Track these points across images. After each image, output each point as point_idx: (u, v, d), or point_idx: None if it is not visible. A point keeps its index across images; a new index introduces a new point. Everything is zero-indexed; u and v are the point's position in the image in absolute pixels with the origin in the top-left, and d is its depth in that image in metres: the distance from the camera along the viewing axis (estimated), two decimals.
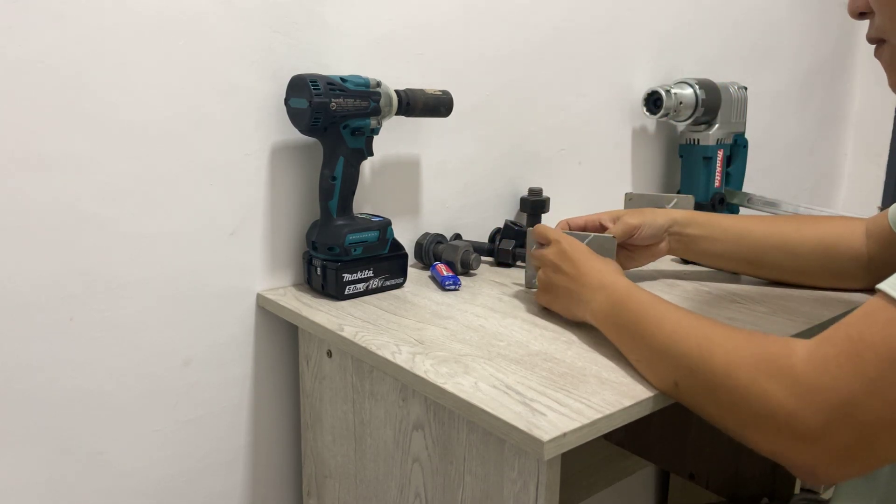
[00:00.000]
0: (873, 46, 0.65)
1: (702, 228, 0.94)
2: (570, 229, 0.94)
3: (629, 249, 0.95)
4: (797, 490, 1.18)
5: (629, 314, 0.70)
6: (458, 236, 1.07)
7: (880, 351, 0.50)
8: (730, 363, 0.58)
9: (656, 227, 0.93)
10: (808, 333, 0.80)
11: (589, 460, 1.42)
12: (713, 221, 0.95)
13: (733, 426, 0.59)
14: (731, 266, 0.97)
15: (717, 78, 1.32)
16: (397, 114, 0.92)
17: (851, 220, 0.91)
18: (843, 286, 0.91)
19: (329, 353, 0.84)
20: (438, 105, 0.95)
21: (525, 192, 1.15)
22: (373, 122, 0.88)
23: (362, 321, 0.81)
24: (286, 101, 0.86)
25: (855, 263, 0.88)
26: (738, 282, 0.97)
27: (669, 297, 0.89)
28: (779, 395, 0.54)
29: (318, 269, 0.89)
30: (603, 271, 0.77)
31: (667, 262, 1.06)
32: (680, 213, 0.95)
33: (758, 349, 0.58)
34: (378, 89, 0.88)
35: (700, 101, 1.25)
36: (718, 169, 1.30)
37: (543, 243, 0.85)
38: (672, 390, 0.63)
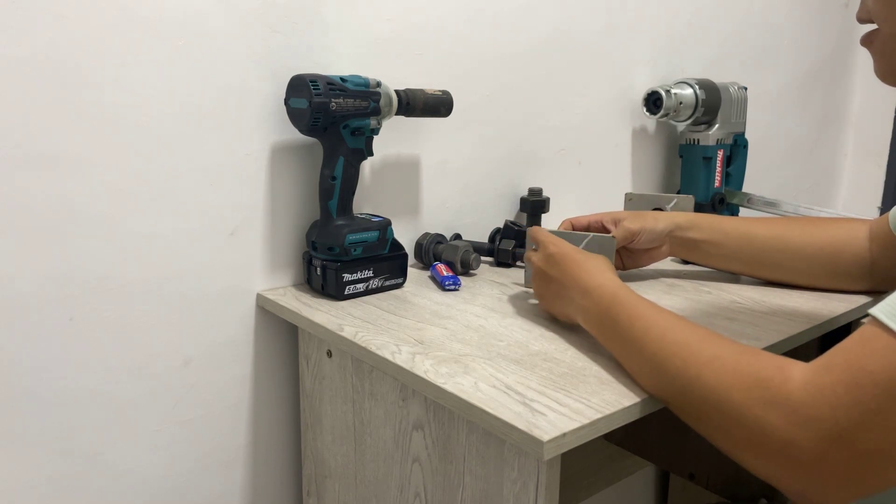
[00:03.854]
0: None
1: (704, 232, 0.94)
2: (573, 228, 0.95)
3: (629, 252, 0.95)
4: None
5: (617, 324, 0.69)
6: (458, 236, 1.07)
7: (879, 381, 0.49)
8: (720, 387, 0.57)
9: (656, 232, 0.93)
10: (808, 334, 0.80)
11: (589, 460, 1.42)
12: (715, 224, 0.95)
13: (726, 447, 0.58)
14: (733, 268, 0.97)
15: (717, 78, 1.32)
16: (397, 114, 0.92)
17: (854, 221, 0.91)
18: (847, 288, 0.91)
19: (329, 353, 0.84)
20: (438, 105, 0.95)
21: (525, 192, 1.15)
22: (373, 122, 0.88)
23: (362, 321, 0.81)
24: (286, 101, 0.86)
25: (858, 266, 0.88)
26: (737, 282, 0.97)
27: (669, 298, 0.90)
28: (775, 422, 0.53)
29: (318, 269, 0.88)
30: (591, 273, 0.75)
31: (667, 262, 1.06)
32: (682, 217, 0.95)
33: (750, 372, 0.56)
34: (378, 89, 0.88)
35: (700, 102, 1.25)
36: (718, 169, 1.30)
37: (534, 246, 0.86)
38: (665, 404, 0.63)
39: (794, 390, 0.53)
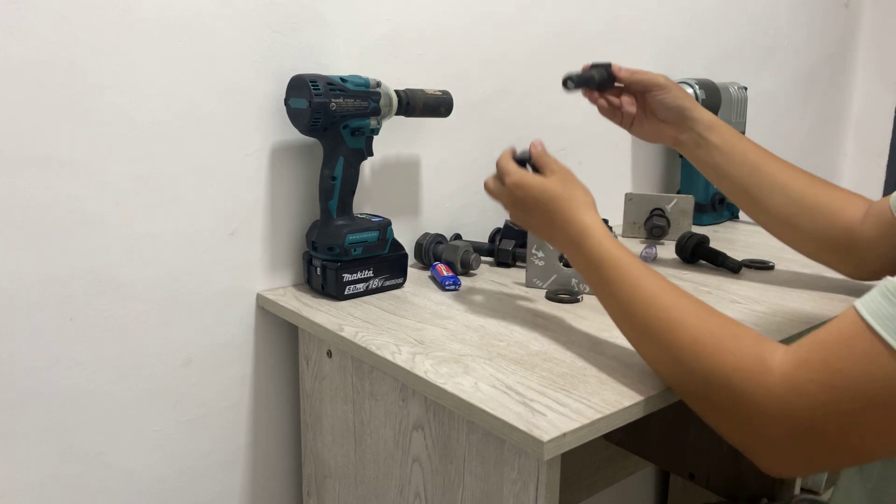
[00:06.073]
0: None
1: (723, 141, 0.89)
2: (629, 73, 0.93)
3: (641, 110, 0.93)
4: (797, 491, 1.18)
5: (607, 282, 0.68)
6: (458, 236, 1.07)
7: (860, 388, 0.49)
8: (699, 370, 0.59)
9: (673, 105, 0.90)
10: (807, 334, 0.80)
11: (589, 460, 1.42)
12: (734, 140, 0.90)
13: (709, 417, 0.61)
14: (726, 189, 0.93)
15: (718, 78, 1.32)
16: (397, 114, 0.92)
17: (858, 196, 0.88)
18: (825, 257, 0.89)
19: (329, 353, 0.84)
20: (438, 105, 0.95)
21: None
22: (373, 123, 0.88)
23: (362, 321, 0.81)
24: (286, 101, 0.86)
25: (846, 235, 0.85)
26: (737, 282, 0.97)
27: None
28: (752, 403, 0.55)
29: (318, 269, 0.88)
30: (573, 218, 0.73)
31: (667, 262, 1.06)
32: (707, 116, 0.91)
33: (730, 361, 0.58)
34: (378, 89, 0.88)
35: (700, 102, 1.25)
36: None
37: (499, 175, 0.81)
38: (656, 372, 0.66)
39: (773, 386, 0.54)
